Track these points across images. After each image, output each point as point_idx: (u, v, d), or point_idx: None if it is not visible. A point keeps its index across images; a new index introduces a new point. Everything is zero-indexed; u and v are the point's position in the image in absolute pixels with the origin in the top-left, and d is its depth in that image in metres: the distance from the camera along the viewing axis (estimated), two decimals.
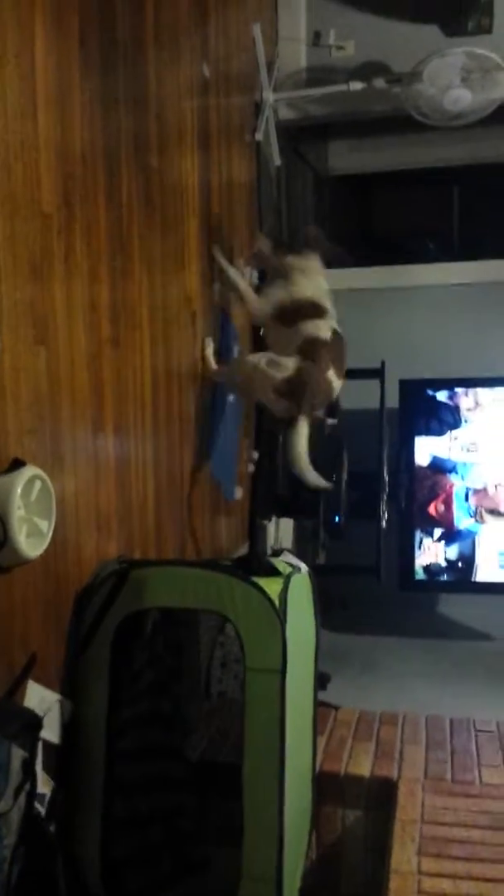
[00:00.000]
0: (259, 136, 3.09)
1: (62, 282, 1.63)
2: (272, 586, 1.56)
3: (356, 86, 3.31)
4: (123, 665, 1.66)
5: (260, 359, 2.35)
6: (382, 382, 3.34)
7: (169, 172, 2.23)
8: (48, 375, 1.58)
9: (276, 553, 1.86)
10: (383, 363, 3.35)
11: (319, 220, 4.16)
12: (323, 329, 2.37)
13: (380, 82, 3.36)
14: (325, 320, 2.40)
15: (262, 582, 1.55)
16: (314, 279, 2.47)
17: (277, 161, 3.41)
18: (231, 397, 2.78)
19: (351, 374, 3.43)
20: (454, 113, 3.27)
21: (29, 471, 1.39)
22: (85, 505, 1.74)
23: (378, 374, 3.37)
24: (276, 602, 1.54)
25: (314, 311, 2.40)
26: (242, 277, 2.65)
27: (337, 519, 3.28)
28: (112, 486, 1.88)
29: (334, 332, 2.39)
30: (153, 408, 2.12)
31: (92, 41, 1.76)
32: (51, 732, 1.46)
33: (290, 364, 2.30)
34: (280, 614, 1.53)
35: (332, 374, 2.33)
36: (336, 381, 2.36)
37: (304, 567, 1.74)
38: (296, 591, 1.63)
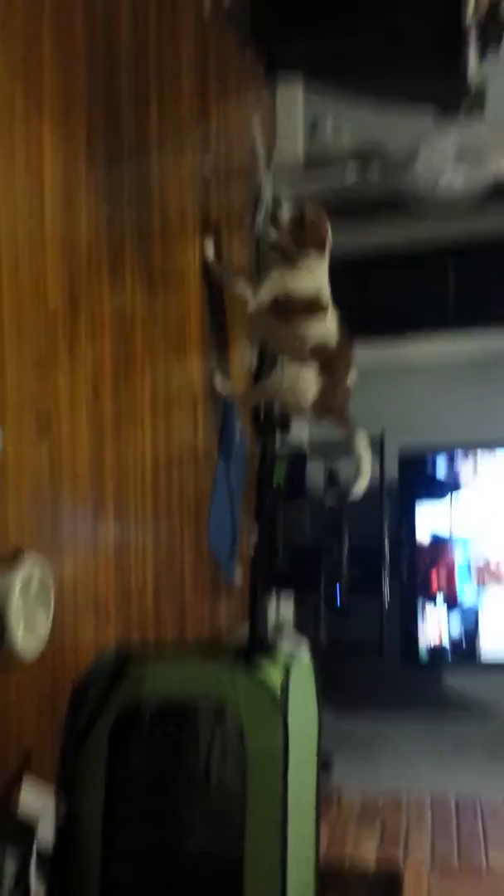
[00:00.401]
0: (258, 227, 3.18)
1: (66, 374, 1.67)
2: (273, 675, 1.55)
3: (352, 173, 3.42)
4: (121, 760, 1.64)
5: (281, 382, 2.50)
6: (382, 454, 3.36)
7: (171, 262, 2.30)
8: (50, 466, 1.60)
9: (277, 631, 1.85)
10: (383, 435, 3.37)
11: None
12: (330, 331, 2.45)
13: (375, 167, 3.47)
14: (329, 316, 2.46)
15: (263, 672, 1.54)
16: (318, 272, 2.46)
17: None
18: (232, 476, 2.80)
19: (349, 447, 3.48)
20: (447, 192, 3.36)
21: (29, 564, 1.40)
22: (83, 591, 1.74)
23: (377, 444, 3.39)
24: (278, 693, 1.53)
25: (316, 306, 2.44)
26: (234, 275, 2.64)
27: (338, 594, 3.27)
28: (111, 572, 1.88)
29: (340, 327, 2.47)
30: (154, 492, 2.14)
31: (98, 141, 1.84)
32: (45, 834, 1.43)
33: (311, 382, 2.44)
34: (282, 705, 1.51)
35: (350, 378, 2.50)
36: (353, 379, 2.51)
37: (305, 653, 1.73)
38: (298, 679, 1.61)
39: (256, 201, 3.29)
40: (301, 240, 2.39)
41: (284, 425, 3.48)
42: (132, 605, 1.99)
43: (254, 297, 2.47)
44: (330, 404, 2.51)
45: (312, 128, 3.60)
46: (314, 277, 2.44)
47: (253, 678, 1.55)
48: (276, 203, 2.45)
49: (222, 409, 2.73)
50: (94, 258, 1.81)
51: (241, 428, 2.92)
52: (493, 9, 3.39)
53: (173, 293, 2.31)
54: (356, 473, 2.59)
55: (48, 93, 1.61)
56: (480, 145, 3.30)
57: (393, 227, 4.33)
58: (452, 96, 3.59)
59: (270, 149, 3.36)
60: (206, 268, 2.57)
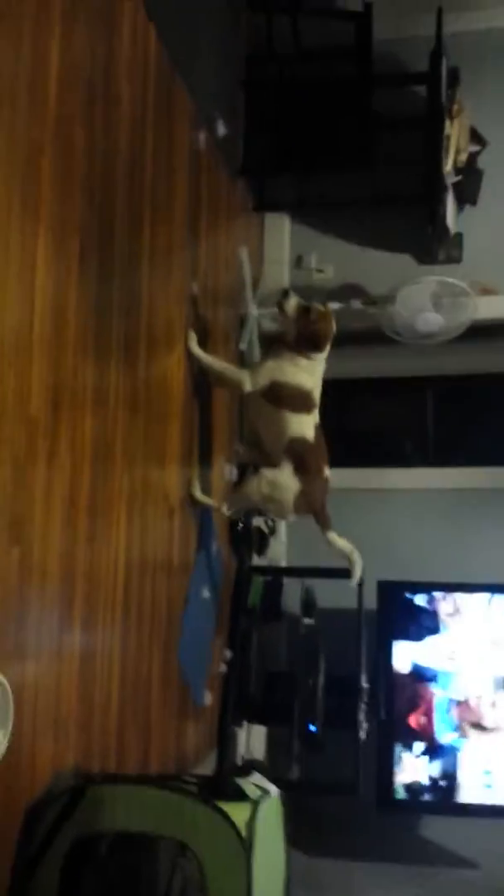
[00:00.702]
0: (243, 347, 3.27)
1: (43, 481, 1.65)
2: (239, 813, 1.45)
3: (334, 306, 3.56)
4: (74, 892, 1.50)
5: (261, 485, 2.52)
6: (360, 583, 3.31)
7: (156, 376, 2.33)
8: (20, 573, 1.55)
9: (247, 767, 1.75)
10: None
11: None
12: (308, 428, 2.51)
13: (356, 303, 3.62)
14: (312, 416, 2.52)
15: (229, 808, 1.44)
16: (316, 369, 2.50)
17: None
18: (206, 593, 2.73)
19: (328, 574, 3.43)
20: (425, 333, 3.50)
21: None
22: (44, 708, 1.65)
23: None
24: (243, 831, 1.43)
25: (305, 404, 2.49)
26: (219, 361, 2.69)
27: (312, 728, 3.12)
28: (74, 686, 1.79)
29: (318, 428, 2.53)
30: (124, 603, 2.07)
31: (90, 256, 1.90)
32: None
33: (289, 483, 2.50)
34: (247, 845, 1.41)
35: (325, 471, 2.56)
36: (328, 472, 2.57)
37: (274, 790, 1.63)
38: (265, 818, 1.51)
39: (242, 321, 3.39)
40: (305, 332, 2.43)
41: (262, 541, 3.45)
42: (94, 723, 1.89)
43: (250, 381, 2.51)
44: (308, 501, 2.53)
45: (298, 260, 3.78)
46: (311, 376, 2.49)
47: (217, 814, 1.45)
48: (284, 293, 2.49)
49: (199, 522, 2.70)
50: (80, 368, 1.83)
51: (218, 544, 2.88)
52: (470, 162, 3.64)
53: (156, 404, 2.33)
54: (351, 567, 2.63)
55: (46, 205, 1.68)
56: (456, 291, 3.46)
57: (374, 358, 4.47)
58: (431, 242, 3.79)
59: (257, 276, 3.49)
60: (195, 370, 2.62)
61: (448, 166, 3.39)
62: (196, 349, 2.61)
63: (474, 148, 3.65)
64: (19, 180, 1.58)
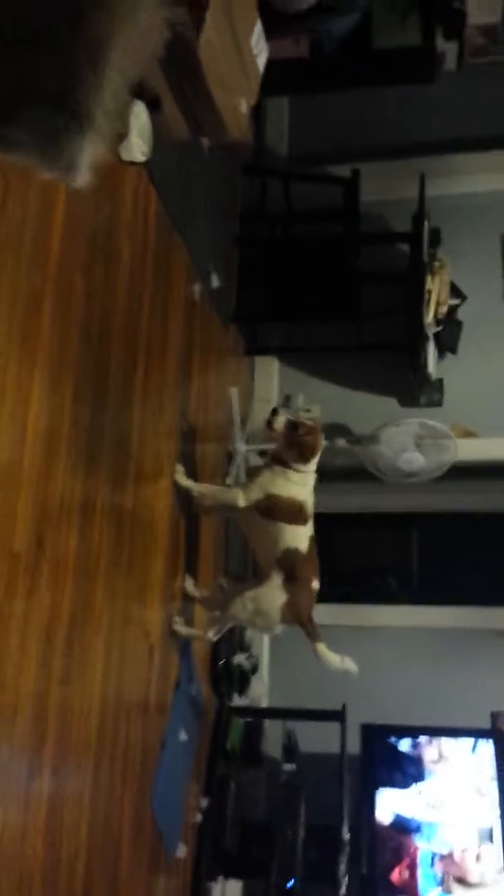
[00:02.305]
0: (230, 482, 3.33)
1: (20, 619, 1.65)
2: None
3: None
4: None
5: (245, 604, 2.54)
6: (343, 727, 3.23)
7: (142, 514, 2.37)
8: None
9: None
10: (344, 706, 3.26)
11: None
12: (302, 539, 2.54)
13: (342, 442, 3.72)
14: (306, 528, 2.55)
15: None
16: (307, 481, 2.54)
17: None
18: (183, 735, 2.66)
19: (311, 716, 3.35)
20: (407, 472, 3.59)
21: None
22: (6, 862, 1.58)
23: (339, 716, 3.27)
24: None
25: (300, 515, 2.52)
26: (208, 485, 2.80)
27: (291, 883, 2.96)
28: (40, 839, 1.72)
29: (311, 541, 2.56)
30: (97, 748, 2.02)
31: (84, 397, 1.98)
32: None
33: (274, 595, 2.52)
34: None
35: (314, 582, 2.57)
36: (316, 584, 2.58)
37: None
38: None
39: (230, 457, 3.47)
40: (294, 445, 2.49)
41: (243, 680, 3.38)
42: (61, 877, 1.80)
43: (243, 496, 2.55)
44: (295, 611, 2.53)
45: (286, 400, 3.91)
46: (303, 488, 2.53)
47: None
48: (273, 410, 2.57)
49: (179, 661, 2.67)
50: (66, 505, 1.87)
51: (198, 682, 2.82)
52: (450, 314, 3.85)
53: (140, 541, 2.35)
54: (347, 668, 2.57)
55: (43, 345, 1.77)
56: (438, 432, 3.58)
57: (359, 494, 4.54)
58: (413, 387, 3.95)
59: (246, 414, 3.60)
60: (182, 504, 2.67)
61: (429, 318, 3.58)
62: (184, 480, 2.67)
63: (454, 301, 3.86)
64: (19, 320, 1.67)
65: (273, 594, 2.53)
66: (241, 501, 2.55)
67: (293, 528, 2.52)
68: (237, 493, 2.59)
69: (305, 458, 2.51)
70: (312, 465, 2.55)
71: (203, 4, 2.21)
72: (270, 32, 2.67)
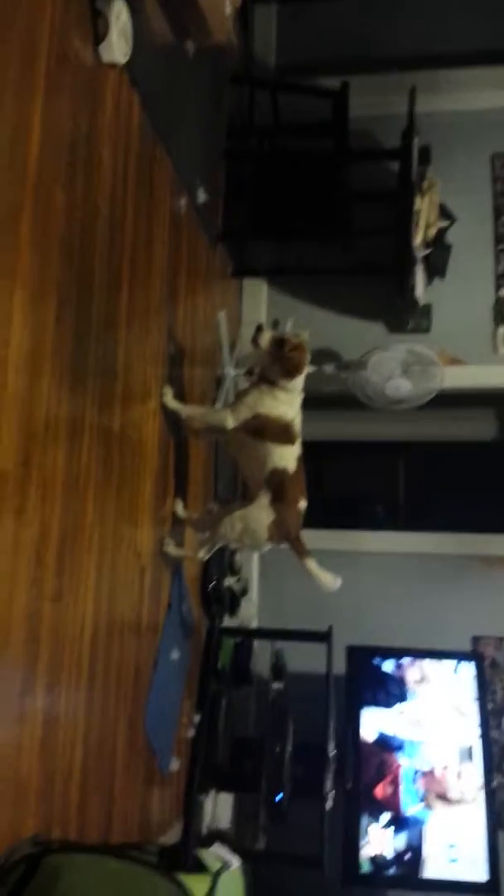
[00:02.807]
0: (219, 407, 3.29)
1: (9, 539, 1.63)
2: (198, 885, 1.41)
3: (308, 369, 3.61)
4: None
5: (234, 524, 2.55)
6: (330, 648, 3.28)
7: (130, 435, 2.33)
8: None
9: (210, 838, 1.70)
10: (330, 628, 3.31)
11: None
12: (290, 459, 2.53)
13: (330, 367, 3.68)
14: (294, 447, 2.53)
15: (188, 879, 1.40)
16: (295, 400, 2.52)
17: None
18: (175, 654, 2.69)
19: (298, 637, 3.40)
20: (394, 399, 3.57)
21: None
22: (3, 773, 1.60)
23: (325, 638, 3.32)
24: None
25: (287, 435, 2.51)
26: (196, 407, 2.81)
27: (279, 797, 3.05)
28: (35, 754, 1.74)
29: (299, 460, 2.55)
30: (90, 666, 2.03)
31: (67, 319, 1.92)
32: None
33: (261, 514, 2.52)
34: None
35: (301, 502, 2.57)
36: (304, 504, 2.58)
37: (235, 862, 1.58)
38: (225, 891, 1.47)
39: (218, 382, 3.42)
40: (280, 362, 2.45)
41: (233, 602, 3.42)
42: (56, 790, 1.83)
43: (231, 417, 2.52)
44: (284, 529, 2.54)
45: (275, 324, 3.84)
46: (291, 408, 2.51)
47: (175, 886, 1.40)
48: (258, 327, 2.52)
49: (171, 582, 2.68)
50: (53, 424, 1.83)
51: (189, 603, 2.84)
52: (439, 236, 3.76)
53: (129, 462, 2.32)
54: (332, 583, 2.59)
55: (23, 264, 1.70)
56: (425, 359, 3.55)
57: (347, 421, 4.53)
58: (401, 313, 3.89)
59: (234, 338, 3.54)
60: (170, 427, 2.63)
61: (418, 240, 3.50)
62: (171, 402, 2.64)
63: (443, 223, 3.78)
64: None
65: (261, 514, 2.53)
66: (230, 422, 2.52)
67: (281, 448, 2.51)
68: (225, 413, 2.56)
69: (291, 375, 2.47)
70: (299, 382, 2.52)
71: None
72: None
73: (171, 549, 2.63)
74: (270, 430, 2.50)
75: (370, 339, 3.84)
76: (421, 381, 3.59)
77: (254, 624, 3.72)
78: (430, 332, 3.94)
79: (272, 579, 3.87)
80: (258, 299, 4.04)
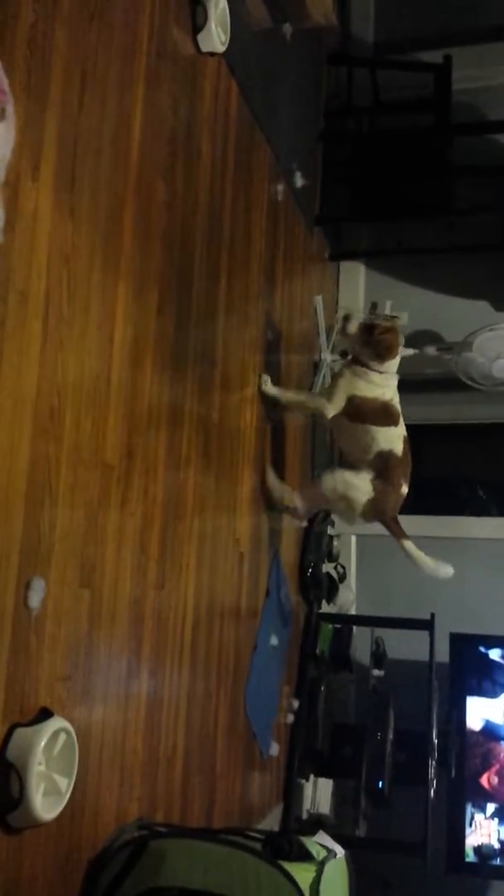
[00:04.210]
0: (316, 391, 3.27)
1: (115, 527, 1.67)
2: (304, 874, 1.41)
3: (408, 352, 3.54)
4: None
5: (336, 483, 2.52)
6: (432, 636, 3.22)
7: (229, 423, 2.35)
8: (89, 616, 1.57)
9: (313, 823, 1.71)
10: (433, 615, 3.25)
11: None
12: (396, 441, 2.49)
13: (431, 350, 3.59)
14: (398, 428, 2.50)
15: (293, 868, 1.41)
16: (390, 382, 2.49)
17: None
18: (274, 640, 2.71)
19: (399, 624, 3.36)
20: (501, 380, 3.44)
21: (55, 723, 1.34)
22: (109, 758, 1.65)
23: (428, 625, 3.27)
24: (307, 893, 1.39)
25: (388, 416, 2.48)
26: (296, 392, 2.77)
27: (380, 784, 3.03)
28: (140, 734, 1.79)
29: (405, 441, 2.51)
30: (192, 651, 2.07)
31: (168, 309, 1.94)
32: None
33: (364, 486, 2.49)
34: None
35: (404, 487, 2.53)
36: (405, 489, 2.54)
37: (340, 851, 1.58)
38: (330, 880, 1.47)
39: (315, 367, 3.40)
40: (371, 346, 2.43)
41: (331, 588, 3.40)
42: (159, 772, 1.88)
43: (330, 404, 2.51)
44: (380, 509, 2.52)
45: (373, 307, 3.77)
46: (383, 389, 2.47)
47: (281, 874, 1.41)
48: (345, 317, 2.50)
49: (269, 568, 2.69)
50: (155, 415, 1.86)
51: (287, 589, 2.85)
52: None
53: (228, 450, 2.34)
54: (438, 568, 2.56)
55: (126, 256, 1.72)
56: None
57: (449, 404, 4.41)
58: None
59: (331, 323, 3.50)
60: (268, 414, 2.63)
61: None
62: (271, 389, 2.63)
63: None
64: (102, 232, 1.63)
65: (363, 485, 2.50)
66: (329, 410, 2.50)
67: (384, 430, 2.47)
68: (322, 401, 2.54)
69: (382, 357, 2.43)
70: (393, 365, 2.47)
71: None
72: None
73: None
74: (370, 412, 2.46)
75: (475, 318, 3.71)
76: None
77: (352, 611, 3.70)
78: None
79: (371, 566, 3.83)
80: (356, 282, 3.98)
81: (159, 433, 1.89)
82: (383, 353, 2.43)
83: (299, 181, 3.04)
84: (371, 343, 2.42)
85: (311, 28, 2.85)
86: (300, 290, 3.20)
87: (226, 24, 2.17)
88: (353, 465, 2.59)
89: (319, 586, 3.32)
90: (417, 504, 3.40)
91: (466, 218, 3.56)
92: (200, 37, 2.08)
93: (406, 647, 3.38)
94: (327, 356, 3.41)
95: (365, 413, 2.47)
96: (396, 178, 3.57)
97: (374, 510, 2.52)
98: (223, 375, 2.31)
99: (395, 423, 2.49)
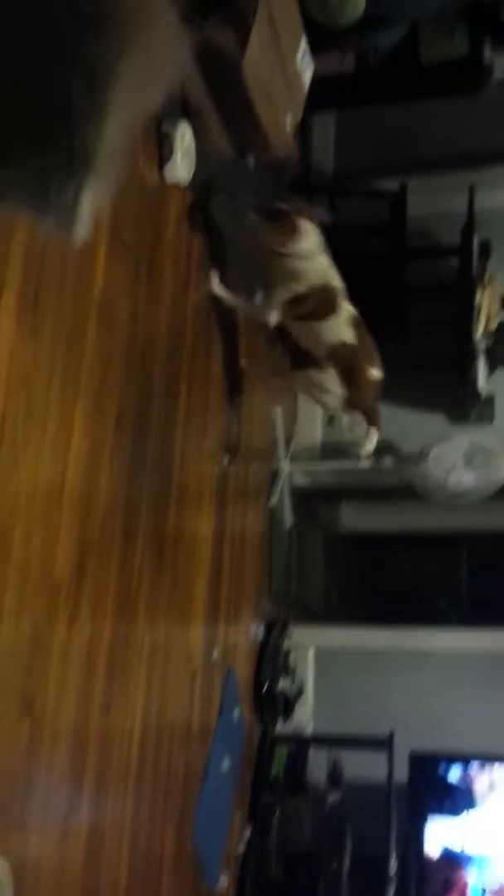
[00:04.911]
0: (273, 502, 3.29)
1: (61, 648, 1.62)
2: None
3: (366, 462, 3.60)
4: None
5: (308, 388, 2.60)
6: (391, 757, 3.13)
7: (184, 534, 2.34)
8: (29, 746, 1.50)
9: None
10: (392, 734, 3.17)
11: (330, 575, 4.26)
12: (340, 330, 2.47)
13: (389, 460, 3.65)
14: (340, 313, 2.46)
15: None
16: (315, 260, 2.41)
17: (289, 522, 3.59)
18: (226, 764, 2.61)
19: (357, 744, 3.27)
20: (457, 492, 3.50)
21: None
22: (47, 891, 1.55)
23: (387, 744, 3.18)
24: None
25: (326, 303, 2.43)
26: (239, 298, 2.60)
27: None
28: (79, 868, 1.69)
29: (355, 324, 2.47)
30: (137, 776, 1.98)
31: (126, 423, 1.95)
32: None
33: (333, 388, 2.55)
34: None
35: (373, 371, 2.55)
36: (377, 372, 2.56)
37: None
38: None
39: (273, 477, 3.42)
40: (281, 230, 2.37)
41: (287, 706, 3.31)
42: None
43: (271, 310, 2.49)
44: (356, 403, 2.59)
45: (330, 419, 3.85)
46: (310, 268, 2.40)
47: None
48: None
49: (222, 686, 2.62)
50: (108, 527, 1.85)
51: (240, 709, 2.77)
52: (501, 326, 3.75)
53: (182, 563, 2.32)
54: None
55: (86, 370, 1.75)
56: (489, 450, 3.49)
57: (407, 513, 4.46)
58: (463, 404, 3.85)
59: (290, 434, 3.56)
60: (221, 529, 2.61)
61: (479, 333, 3.50)
62: (219, 289, 2.52)
63: None
64: (63, 346, 1.65)
65: (331, 387, 2.55)
66: (272, 316, 2.48)
67: (325, 323, 2.45)
68: (264, 310, 2.51)
69: (289, 236, 2.36)
70: (308, 243, 2.39)
71: (248, 22, 2.19)
72: (315, 48, 2.64)
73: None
74: (304, 307, 2.42)
75: (431, 430, 3.80)
76: (485, 473, 3.52)
77: (309, 728, 3.60)
78: (494, 423, 3.88)
79: (329, 679, 3.76)
80: None
81: (112, 547, 1.87)
82: (290, 227, 2.35)
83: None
84: (278, 224, 2.37)
85: (273, 159, 3.01)
86: (260, 402, 3.25)
87: (191, 156, 2.28)
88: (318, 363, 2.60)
89: (275, 705, 3.23)
90: (377, 615, 3.38)
91: (422, 334, 3.70)
92: (167, 168, 2.18)
93: (364, 765, 3.28)
94: (285, 466, 3.45)
95: (305, 307, 2.42)
96: (352, 298, 3.71)
97: (350, 407, 2.60)
98: (180, 486, 2.31)
99: (334, 311, 2.45)
